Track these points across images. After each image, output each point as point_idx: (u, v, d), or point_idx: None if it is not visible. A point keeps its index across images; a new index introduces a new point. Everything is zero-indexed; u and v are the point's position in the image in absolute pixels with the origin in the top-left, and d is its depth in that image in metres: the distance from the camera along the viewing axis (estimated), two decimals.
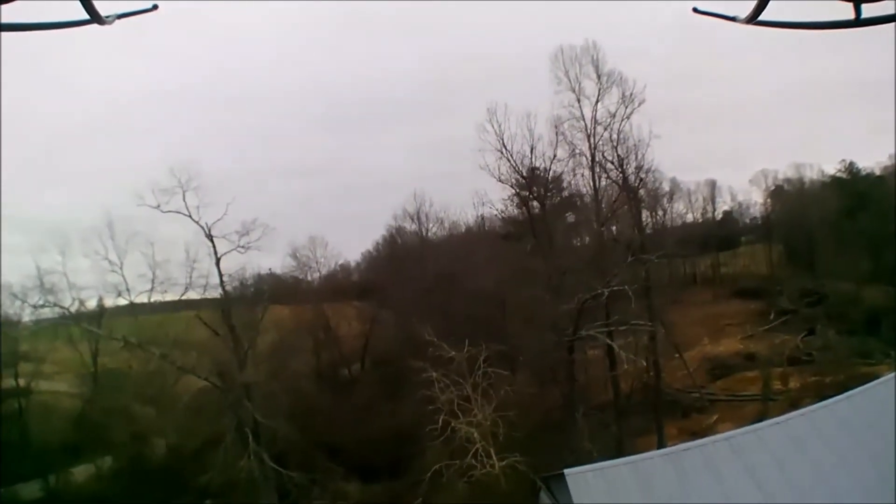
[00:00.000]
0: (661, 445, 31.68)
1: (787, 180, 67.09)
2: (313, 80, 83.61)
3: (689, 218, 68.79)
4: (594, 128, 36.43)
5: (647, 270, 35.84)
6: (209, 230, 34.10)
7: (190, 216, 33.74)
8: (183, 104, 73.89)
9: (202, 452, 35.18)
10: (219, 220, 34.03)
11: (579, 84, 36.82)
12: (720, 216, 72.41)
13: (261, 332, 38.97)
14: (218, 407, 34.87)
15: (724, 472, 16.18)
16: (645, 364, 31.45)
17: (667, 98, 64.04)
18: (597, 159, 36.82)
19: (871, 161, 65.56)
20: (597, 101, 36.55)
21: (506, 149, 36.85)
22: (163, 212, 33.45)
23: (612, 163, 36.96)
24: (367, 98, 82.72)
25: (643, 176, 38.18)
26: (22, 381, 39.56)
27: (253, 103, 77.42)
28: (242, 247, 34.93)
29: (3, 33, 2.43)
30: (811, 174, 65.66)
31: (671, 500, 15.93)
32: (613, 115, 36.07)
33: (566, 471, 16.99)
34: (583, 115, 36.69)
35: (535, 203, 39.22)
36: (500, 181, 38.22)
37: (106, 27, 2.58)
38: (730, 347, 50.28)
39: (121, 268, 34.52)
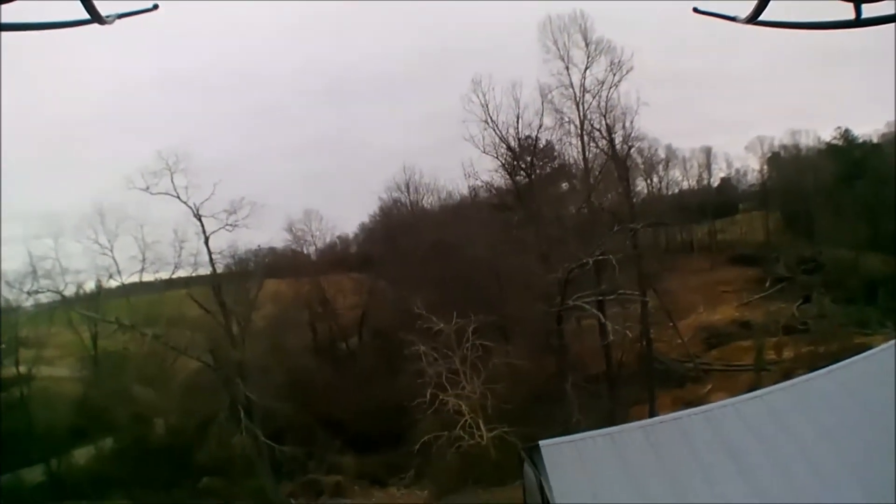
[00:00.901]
0: (652, 415, 31.19)
1: (784, 147, 65.52)
2: (305, 59, 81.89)
3: (685, 185, 67.28)
4: (583, 96, 35.60)
5: (635, 239, 35.09)
6: (197, 210, 33.89)
7: (178, 197, 33.55)
8: (176, 91, 72.63)
9: (200, 431, 35.33)
10: (206, 199, 33.85)
11: (568, 52, 35.97)
12: (717, 183, 70.76)
13: (258, 306, 38.93)
14: (214, 385, 34.76)
15: (700, 444, 15.54)
16: (629, 334, 30.83)
17: (661, 64, 62.22)
18: (586, 128, 35.98)
19: (869, 128, 63.93)
20: (585, 69, 35.69)
21: (491, 119, 36.19)
22: (151, 194, 33.27)
23: (600, 131, 36.12)
24: (357, 74, 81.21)
25: (631, 144, 37.40)
26: (23, 368, 39.22)
27: (245, 85, 76.11)
28: (231, 225, 34.73)
29: (3, 33, 2.38)
30: (807, 141, 63.91)
31: (646, 472, 15.38)
32: (602, 83, 35.22)
33: (541, 442, 16.48)
34: (571, 84, 35.85)
35: (523, 173, 38.38)
36: (484, 152, 37.60)
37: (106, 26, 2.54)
38: (726, 315, 49.38)
39: (111, 250, 34.47)
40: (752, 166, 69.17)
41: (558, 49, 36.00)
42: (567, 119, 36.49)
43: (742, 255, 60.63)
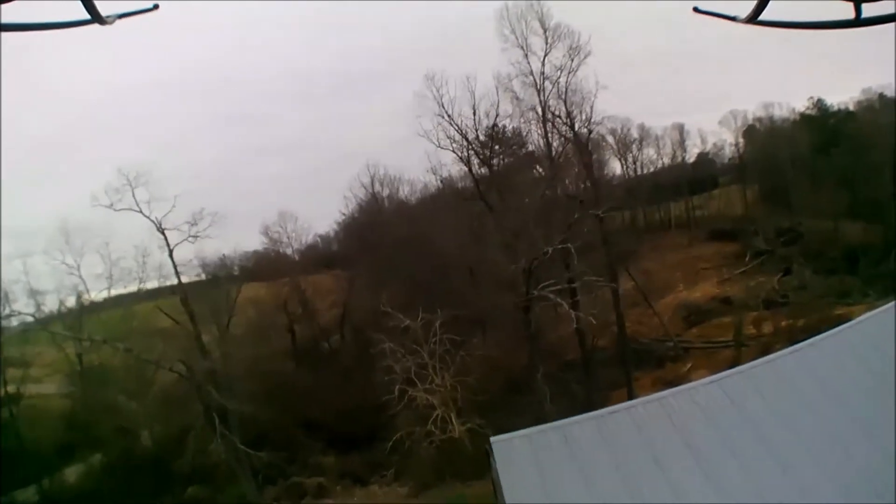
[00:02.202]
0: (631, 398, 30.32)
1: (758, 120, 64.02)
2: (275, 60, 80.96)
3: (661, 164, 65.67)
4: (543, 83, 34.42)
5: (601, 223, 34.04)
6: (160, 224, 33.28)
7: (140, 211, 32.91)
8: (149, 96, 71.55)
9: (184, 441, 34.51)
10: (168, 212, 33.32)
11: (526, 40, 34.82)
12: (692, 159, 69.02)
13: (236, 312, 38.23)
14: (190, 395, 34.04)
15: (654, 433, 14.60)
16: (593, 321, 29.74)
17: (629, 43, 60.75)
18: (547, 115, 34.83)
19: (844, 96, 62.47)
20: (545, 56, 34.54)
21: (447, 114, 34.91)
22: (115, 210, 32.65)
23: (560, 117, 34.94)
24: (329, 70, 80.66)
25: (591, 128, 36.21)
26: (11, 388, 38.58)
27: (217, 88, 74.99)
28: (192, 237, 34.18)
29: (3, 33, 2.28)
30: (781, 113, 62.44)
31: (598, 466, 14.45)
32: (560, 69, 34.06)
33: (492, 438, 15.60)
34: (531, 71, 34.70)
35: (483, 164, 37.27)
36: (439, 147, 36.40)
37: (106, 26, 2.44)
38: (706, 292, 48.01)
39: (78, 269, 34.27)
40: (728, 140, 68.01)
41: (517, 37, 34.95)
42: (528, 107, 35.47)
43: (721, 231, 58.71)
